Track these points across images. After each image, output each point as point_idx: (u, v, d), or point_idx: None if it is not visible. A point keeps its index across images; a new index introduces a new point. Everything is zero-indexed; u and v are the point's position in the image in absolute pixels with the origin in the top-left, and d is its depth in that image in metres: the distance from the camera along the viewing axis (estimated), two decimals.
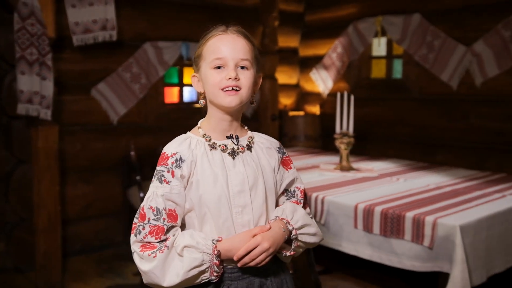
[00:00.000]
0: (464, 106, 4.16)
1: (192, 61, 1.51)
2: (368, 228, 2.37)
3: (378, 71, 5.06)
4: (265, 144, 1.51)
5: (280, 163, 1.52)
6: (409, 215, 2.23)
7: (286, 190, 1.54)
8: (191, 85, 4.84)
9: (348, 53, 5.01)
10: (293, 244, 1.43)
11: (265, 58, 4.94)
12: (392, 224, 2.27)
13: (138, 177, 3.39)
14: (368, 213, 2.36)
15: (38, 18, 3.26)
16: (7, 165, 3.85)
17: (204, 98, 1.46)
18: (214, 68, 1.39)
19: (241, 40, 1.42)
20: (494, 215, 2.29)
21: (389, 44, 4.83)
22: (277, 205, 1.51)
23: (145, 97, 4.40)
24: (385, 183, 2.94)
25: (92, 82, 4.11)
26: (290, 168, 1.54)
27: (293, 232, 1.42)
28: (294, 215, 1.45)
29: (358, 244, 2.42)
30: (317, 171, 3.32)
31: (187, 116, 4.68)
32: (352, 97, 3.36)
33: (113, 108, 4.21)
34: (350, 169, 3.31)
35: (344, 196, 2.60)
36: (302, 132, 5.19)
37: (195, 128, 1.48)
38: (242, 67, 1.40)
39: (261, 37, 4.98)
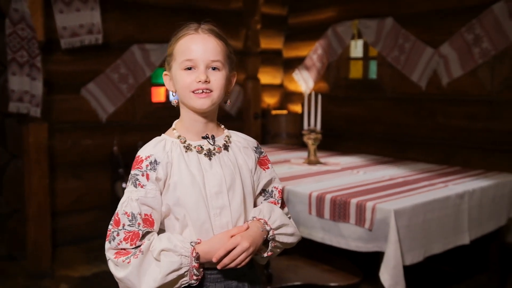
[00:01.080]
0: (432, 105, 4.41)
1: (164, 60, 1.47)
2: (320, 213, 2.62)
3: (355, 71, 5.31)
4: (242, 144, 1.48)
5: (257, 163, 1.49)
6: (353, 201, 2.48)
7: (263, 190, 1.51)
8: None
9: (327, 54, 5.26)
10: (270, 244, 1.41)
11: (248, 59, 5.21)
12: (339, 210, 2.52)
13: (120, 170, 3.65)
14: (320, 200, 2.62)
15: (28, 23, 3.53)
16: (1, 160, 4.12)
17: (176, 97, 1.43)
18: (185, 69, 1.36)
19: (212, 40, 1.39)
20: (432, 201, 2.54)
21: (365, 46, 5.07)
22: (255, 205, 1.49)
23: (133, 96, 4.66)
24: (345, 175, 3.19)
25: (82, 82, 4.37)
26: (268, 168, 1.51)
27: (271, 233, 1.40)
28: (272, 215, 1.43)
29: (312, 229, 2.68)
30: (288, 165, 3.57)
31: (174, 115, 4.81)
32: (319, 96, 3.61)
33: (102, 107, 4.48)
34: (317, 163, 3.56)
35: (303, 186, 2.85)
36: (284, 130, 5.45)
37: (170, 130, 1.45)
38: (214, 68, 1.37)
39: (245, 39, 5.23)
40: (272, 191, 1.52)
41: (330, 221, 2.58)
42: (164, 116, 4.86)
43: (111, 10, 4.36)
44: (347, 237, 2.51)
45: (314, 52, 5.40)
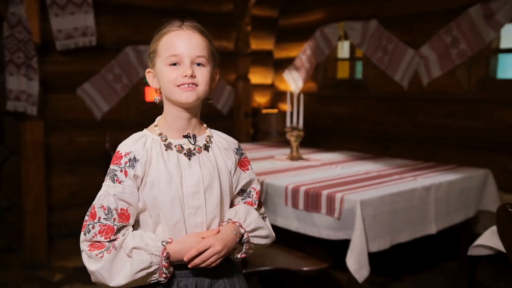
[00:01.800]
0: (413, 104, 4.58)
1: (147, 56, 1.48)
2: (295, 205, 2.80)
3: (343, 71, 5.49)
4: (223, 144, 1.49)
5: (238, 164, 1.50)
6: (324, 192, 2.66)
7: (242, 191, 1.53)
8: None
9: (315, 55, 5.43)
10: (244, 247, 1.44)
11: (239, 60, 5.39)
12: (312, 201, 2.70)
13: None
14: (295, 192, 2.80)
15: (25, 26, 3.72)
16: (0, 156, 4.32)
17: (160, 94, 1.44)
18: (170, 65, 1.37)
19: (197, 36, 1.41)
20: (398, 193, 2.70)
21: (352, 47, 5.25)
22: (232, 205, 1.51)
23: (127, 95, 4.85)
24: (324, 170, 3.36)
25: (77, 82, 4.56)
26: (248, 169, 1.53)
27: (245, 236, 1.43)
28: (247, 218, 1.45)
29: (288, 219, 2.86)
30: (271, 160, 3.75)
31: None
32: (302, 96, 3.79)
33: (97, 106, 4.66)
34: (299, 158, 3.73)
35: (281, 179, 3.02)
36: (274, 128, 5.63)
37: (152, 126, 1.47)
38: (198, 64, 1.38)
39: (235, 41, 5.42)
40: (250, 191, 1.55)
41: (304, 212, 2.76)
42: (157, 115, 5.03)
43: (105, 13, 4.55)
44: (319, 226, 2.68)
45: (303, 53, 5.58)
